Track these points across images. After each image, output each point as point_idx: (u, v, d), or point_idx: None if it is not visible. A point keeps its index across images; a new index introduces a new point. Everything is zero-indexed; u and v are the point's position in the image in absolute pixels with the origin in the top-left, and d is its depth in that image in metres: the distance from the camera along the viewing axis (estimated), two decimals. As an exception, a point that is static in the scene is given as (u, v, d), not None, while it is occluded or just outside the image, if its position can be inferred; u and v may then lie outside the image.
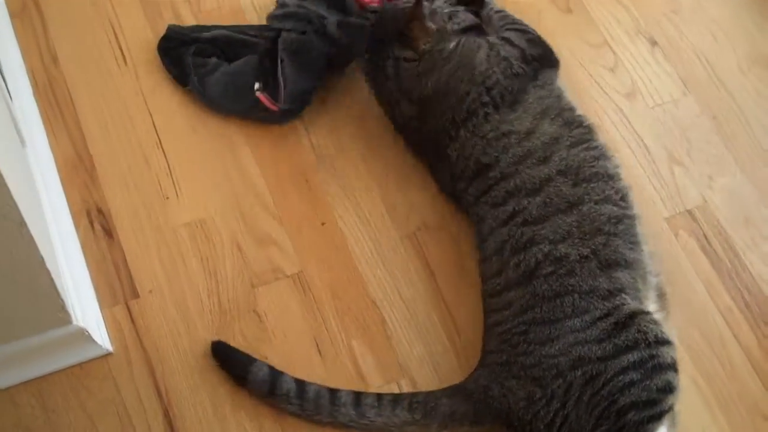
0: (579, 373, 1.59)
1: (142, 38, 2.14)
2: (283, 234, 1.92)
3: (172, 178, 1.98)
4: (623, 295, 1.65)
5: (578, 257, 1.66)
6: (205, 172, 1.99)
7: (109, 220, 1.93)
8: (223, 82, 2.04)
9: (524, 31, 1.92)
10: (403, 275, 1.89)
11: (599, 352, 1.60)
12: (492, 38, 1.89)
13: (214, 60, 2.06)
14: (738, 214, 1.99)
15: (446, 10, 1.91)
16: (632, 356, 1.58)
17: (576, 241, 1.68)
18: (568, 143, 1.77)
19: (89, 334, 1.72)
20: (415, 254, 1.91)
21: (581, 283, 1.65)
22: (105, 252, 1.89)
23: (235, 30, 2.11)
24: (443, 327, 1.84)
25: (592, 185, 1.73)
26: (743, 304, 1.90)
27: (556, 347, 1.62)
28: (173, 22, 2.15)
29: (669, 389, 1.58)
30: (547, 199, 1.72)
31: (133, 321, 1.83)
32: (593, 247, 1.67)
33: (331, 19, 2.04)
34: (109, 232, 1.91)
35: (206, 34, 2.09)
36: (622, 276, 1.67)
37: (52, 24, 2.14)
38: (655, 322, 1.63)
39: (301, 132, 2.04)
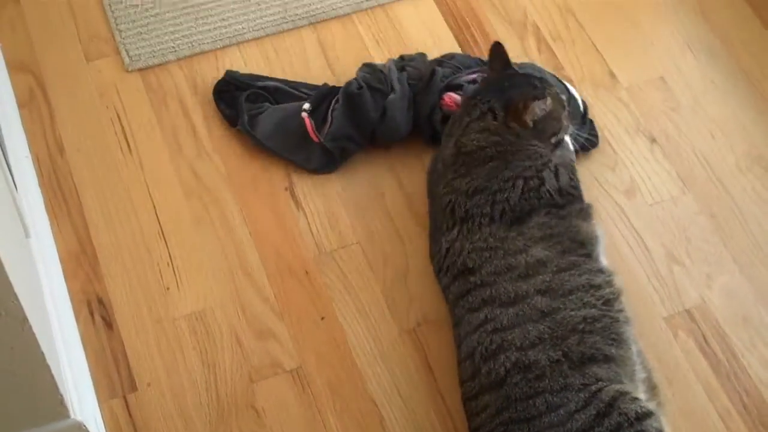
0: None
1: (148, 128, 2.17)
2: (283, 328, 1.93)
3: (174, 269, 1.99)
4: (600, 383, 1.65)
5: (548, 362, 1.66)
6: (207, 263, 2.00)
7: (110, 311, 1.93)
8: (275, 117, 2.11)
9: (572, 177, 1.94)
10: (403, 372, 1.89)
11: None
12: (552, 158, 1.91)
13: (266, 105, 2.14)
14: (736, 314, 2.00)
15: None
16: None
17: (547, 346, 1.68)
18: (555, 268, 1.78)
19: (86, 428, 1.71)
20: (414, 350, 1.91)
21: (552, 384, 1.64)
22: (104, 343, 1.90)
23: (289, 85, 2.19)
24: (442, 426, 1.84)
25: (570, 297, 1.74)
26: (742, 407, 1.89)
27: None
28: (178, 111, 2.18)
29: None
30: (520, 312, 1.72)
31: (130, 415, 1.82)
32: (565, 349, 1.67)
33: (395, 95, 2.09)
34: (109, 324, 1.92)
35: (260, 83, 2.18)
36: (600, 370, 1.67)
37: (59, 114, 2.17)
38: (634, 400, 1.63)
39: (302, 223, 2.05)
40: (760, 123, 2.28)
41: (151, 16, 2.32)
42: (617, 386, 1.65)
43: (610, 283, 1.79)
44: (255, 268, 2.00)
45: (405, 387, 1.87)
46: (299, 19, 2.35)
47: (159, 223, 2.04)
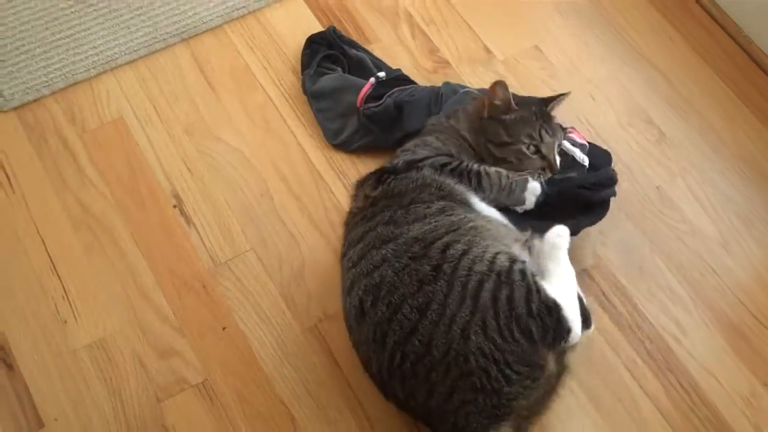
0: None
1: (29, 165, 2.14)
2: (185, 343, 1.92)
3: (69, 301, 1.97)
4: (453, 260, 1.66)
5: (395, 272, 1.67)
6: (103, 290, 1.98)
7: (8, 352, 1.91)
8: (337, 83, 2.22)
9: None
10: (309, 370, 1.88)
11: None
12: None
13: (339, 70, 2.26)
14: (632, 266, 2.03)
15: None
16: None
17: (392, 261, 1.68)
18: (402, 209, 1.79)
19: (-6, 472, 1.70)
20: (318, 346, 1.91)
21: (409, 289, 1.65)
22: (6, 384, 1.87)
23: (373, 61, 2.28)
24: (354, 417, 1.83)
25: (415, 224, 1.74)
26: (646, 354, 1.92)
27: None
28: (58, 144, 2.16)
29: None
30: (366, 244, 1.75)
31: (39, 454, 1.80)
32: (410, 254, 1.68)
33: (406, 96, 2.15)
34: (8, 364, 1.89)
35: (348, 49, 2.29)
36: (451, 250, 1.67)
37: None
38: (495, 255, 1.66)
39: (194, 238, 2.04)
40: (634, 77, 2.31)
41: (22, 53, 2.30)
42: (473, 253, 1.66)
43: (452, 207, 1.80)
44: (151, 288, 1.98)
45: (313, 384, 1.87)
46: (171, 36, 2.34)
47: (50, 258, 2.02)
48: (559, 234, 1.76)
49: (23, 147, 2.17)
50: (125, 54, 2.31)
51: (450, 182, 1.82)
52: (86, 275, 2.00)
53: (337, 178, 2.13)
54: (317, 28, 2.36)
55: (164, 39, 2.34)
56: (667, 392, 1.88)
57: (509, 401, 1.61)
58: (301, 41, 2.33)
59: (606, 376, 1.89)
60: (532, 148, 1.90)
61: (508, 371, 1.60)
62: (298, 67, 2.30)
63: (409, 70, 2.29)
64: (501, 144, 1.91)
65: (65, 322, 1.94)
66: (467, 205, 1.81)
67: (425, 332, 1.61)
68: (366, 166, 2.13)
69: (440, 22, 2.40)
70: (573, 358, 1.83)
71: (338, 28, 2.35)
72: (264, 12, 2.40)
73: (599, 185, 1.96)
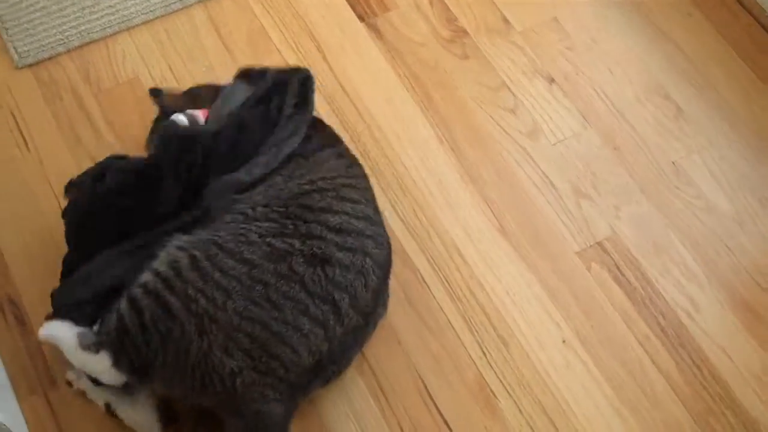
0: None
1: (44, 123, 2.13)
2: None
3: (83, 261, 1.96)
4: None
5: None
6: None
7: (22, 309, 1.91)
8: None
9: None
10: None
11: None
12: None
13: None
14: (647, 241, 2.03)
15: None
16: None
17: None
18: None
19: (7, 427, 1.70)
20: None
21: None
22: (18, 342, 1.87)
23: None
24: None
25: None
26: (659, 330, 1.92)
27: None
28: (73, 103, 2.15)
29: None
30: None
31: (52, 410, 1.80)
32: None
33: None
34: (22, 321, 1.90)
35: None
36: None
37: (-50, 115, 2.14)
38: None
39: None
40: (654, 53, 2.30)
41: (37, 10, 2.28)
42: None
43: None
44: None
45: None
46: (188, -3, 2.33)
47: (64, 217, 2.01)
48: None
49: (38, 104, 2.16)
50: (141, 14, 2.30)
51: None
52: (100, 235, 1.99)
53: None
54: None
55: (181, 0, 2.32)
56: (679, 368, 1.88)
57: None
58: (319, 5, 2.32)
59: (619, 350, 1.90)
60: None
61: None
62: (315, 32, 2.29)
63: (426, 39, 2.29)
64: None
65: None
66: None
67: None
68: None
69: (459, -9, 2.39)
70: (586, 333, 1.85)
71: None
72: (284, -25, 2.39)
73: None
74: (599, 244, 2.02)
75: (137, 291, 1.67)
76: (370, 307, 1.76)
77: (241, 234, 1.72)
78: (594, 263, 1.99)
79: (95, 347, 1.70)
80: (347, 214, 1.77)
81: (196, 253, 1.69)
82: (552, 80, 2.24)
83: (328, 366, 1.72)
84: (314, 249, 1.70)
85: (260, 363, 1.64)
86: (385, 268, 1.80)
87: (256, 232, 1.72)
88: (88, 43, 2.25)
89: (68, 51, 2.24)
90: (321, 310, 1.67)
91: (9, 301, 1.92)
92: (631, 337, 1.91)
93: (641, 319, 1.93)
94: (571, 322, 1.92)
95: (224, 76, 2.18)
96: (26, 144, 2.11)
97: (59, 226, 1.97)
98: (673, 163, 2.13)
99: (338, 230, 1.73)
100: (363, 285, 1.72)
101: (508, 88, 2.23)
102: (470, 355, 1.88)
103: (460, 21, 2.33)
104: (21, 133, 2.12)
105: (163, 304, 1.65)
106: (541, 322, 1.92)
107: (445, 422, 1.81)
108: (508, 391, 1.84)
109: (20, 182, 2.06)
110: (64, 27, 2.26)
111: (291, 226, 1.73)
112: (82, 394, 1.81)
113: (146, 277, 1.69)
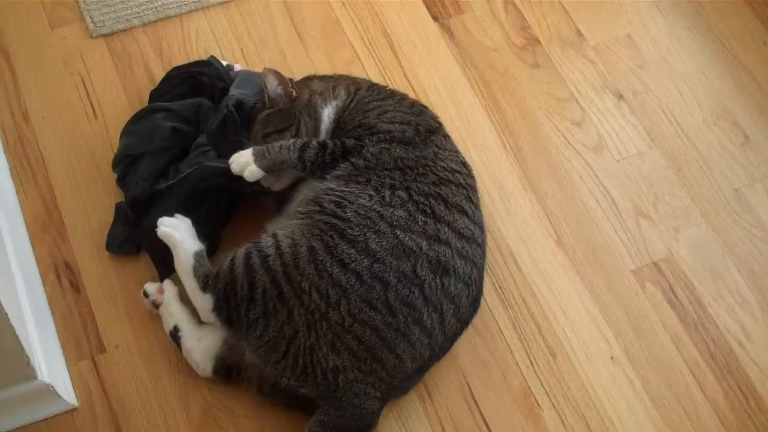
0: None
1: (113, 93, 2.16)
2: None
3: (141, 233, 1.98)
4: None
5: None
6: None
7: (77, 275, 1.93)
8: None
9: None
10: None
11: None
12: None
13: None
14: (704, 266, 2.01)
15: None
16: None
17: None
18: None
19: (55, 389, 1.72)
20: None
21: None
22: (72, 307, 1.89)
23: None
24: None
25: None
26: (709, 356, 1.91)
27: None
28: (143, 76, 2.17)
29: None
30: None
31: (99, 376, 1.82)
32: None
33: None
34: (76, 287, 1.92)
35: None
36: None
37: (23, 81, 2.16)
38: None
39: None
40: (725, 79, 2.28)
41: (116, -18, 2.31)
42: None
43: None
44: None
45: None
46: (265, -18, 2.34)
47: (126, 188, 2.03)
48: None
49: (109, 75, 2.19)
50: (218, -6, 2.32)
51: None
52: (160, 209, 2.01)
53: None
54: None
55: (258, -16, 2.34)
56: (726, 395, 1.87)
57: None
58: (395, 2, 2.32)
59: (666, 372, 1.89)
60: None
61: None
62: (388, 28, 2.29)
63: (498, 44, 2.28)
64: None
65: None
66: None
67: None
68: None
69: (534, 1, 2.38)
70: (634, 351, 1.84)
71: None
72: (362, -31, 2.40)
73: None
74: (655, 264, 2.00)
75: (257, 260, 1.68)
76: (468, 314, 1.77)
77: (370, 219, 1.70)
78: (648, 283, 1.98)
79: (203, 282, 1.72)
80: (469, 217, 1.77)
81: (315, 244, 1.67)
82: (621, 96, 2.23)
83: (427, 368, 1.75)
84: (440, 256, 1.69)
85: (364, 364, 1.65)
86: (482, 277, 1.81)
87: (387, 221, 1.70)
88: (162, 19, 2.28)
89: (143, 25, 2.26)
90: (431, 319, 1.68)
91: (65, 265, 1.94)
92: (679, 360, 1.90)
93: (692, 343, 1.92)
94: (620, 339, 1.91)
95: (294, 63, 2.20)
96: (94, 112, 2.13)
97: (119, 196, 2.00)
98: (736, 190, 2.12)
99: (461, 235, 1.73)
100: (467, 295, 1.73)
101: (576, 101, 2.22)
102: (517, 363, 1.88)
103: (534, 30, 2.32)
104: (90, 101, 2.14)
105: (277, 286, 1.66)
106: (591, 336, 1.91)
107: (487, 426, 1.81)
108: (552, 402, 1.84)
109: (85, 149, 2.08)
110: (141, 0, 2.28)
111: (421, 222, 1.71)
112: (156, 307, 1.85)
113: (266, 242, 1.70)
